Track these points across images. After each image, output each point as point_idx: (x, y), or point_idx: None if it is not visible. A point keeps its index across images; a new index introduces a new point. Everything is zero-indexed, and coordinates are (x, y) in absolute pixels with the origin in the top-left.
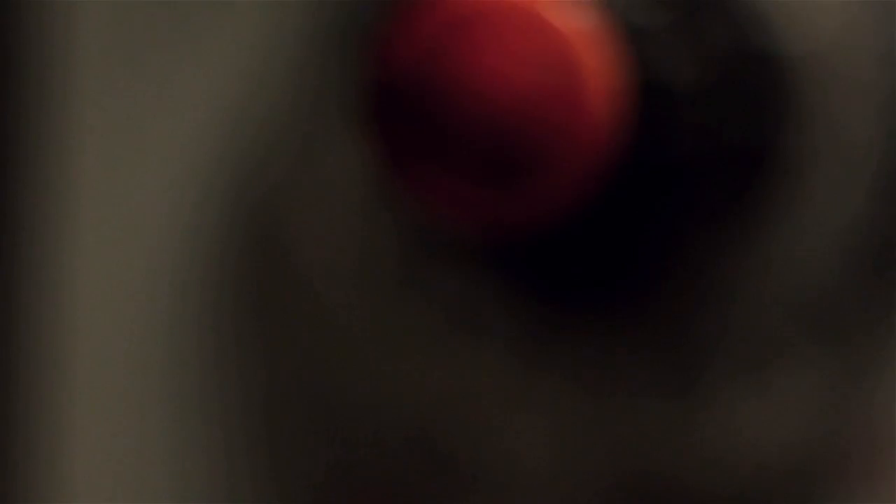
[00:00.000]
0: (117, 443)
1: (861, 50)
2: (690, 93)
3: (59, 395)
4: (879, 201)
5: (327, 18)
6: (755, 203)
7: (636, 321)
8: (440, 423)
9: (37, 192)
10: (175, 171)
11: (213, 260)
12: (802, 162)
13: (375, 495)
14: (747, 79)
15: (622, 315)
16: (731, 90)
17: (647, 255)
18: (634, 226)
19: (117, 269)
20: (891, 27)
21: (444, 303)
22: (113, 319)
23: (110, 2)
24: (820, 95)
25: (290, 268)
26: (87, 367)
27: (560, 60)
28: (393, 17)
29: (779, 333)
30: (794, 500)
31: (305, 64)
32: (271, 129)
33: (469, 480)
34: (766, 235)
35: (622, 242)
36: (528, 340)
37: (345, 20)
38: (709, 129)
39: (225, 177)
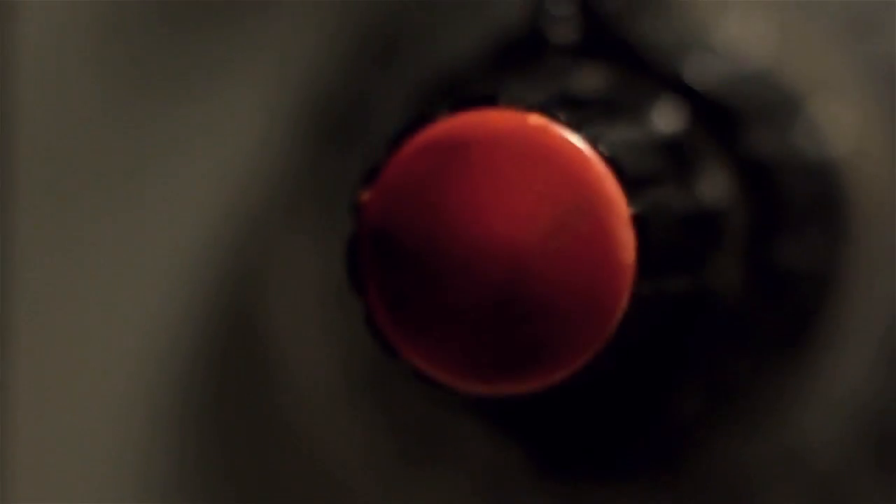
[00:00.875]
0: None
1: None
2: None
3: None
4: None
5: (320, 120)
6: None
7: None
8: None
9: None
10: (157, 265)
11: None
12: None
13: None
14: (795, 193)
15: (653, 482)
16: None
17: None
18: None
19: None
20: None
21: (469, 471)
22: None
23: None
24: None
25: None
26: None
27: (585, 196)
28: (383, 150)
29: None
30: None
31: (294, 166)
32: (257, 232)
33: None
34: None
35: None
36: None
37: (339, 123)
38: (759, 260)
39: (210, 276)
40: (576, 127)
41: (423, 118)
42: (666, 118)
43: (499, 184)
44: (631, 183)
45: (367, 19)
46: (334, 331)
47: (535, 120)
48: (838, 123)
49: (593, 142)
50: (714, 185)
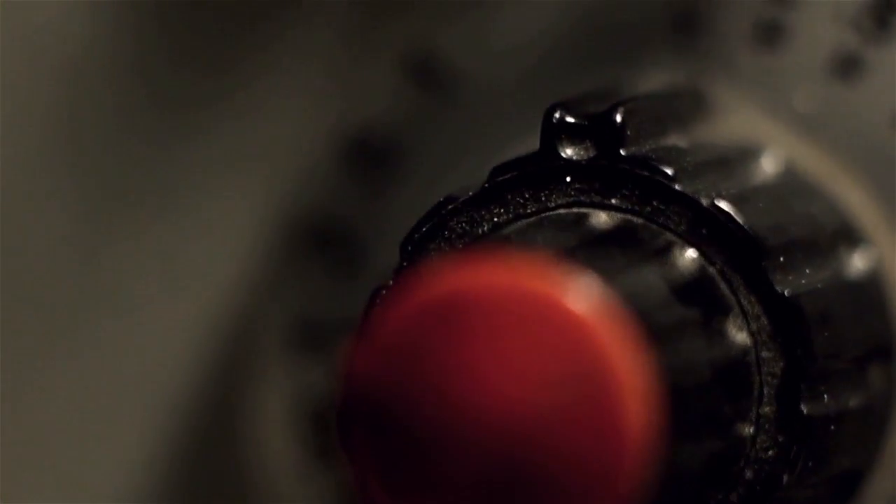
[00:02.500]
0: None
1: None
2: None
3: None
4: None
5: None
6: None
7: None
8: None
9: None
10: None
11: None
12: None
13: None
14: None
15: None
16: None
17: None
18: None
19: None
20: None
21: None
22: None
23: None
24: None
25: None
26: None
27: (587, 364)
28: (367, 308)
29: None
30: None
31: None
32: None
33: None
34: None
35: None
36: None
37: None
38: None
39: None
40: (589, 266)
41: (418, 255)
42: (688, 256)
43: (498, 349)
44: (653, 333)
45: (364, 132)
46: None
47: (538, 278)
48: (876, 255)
49: (609, 287)
50: (745, 329)
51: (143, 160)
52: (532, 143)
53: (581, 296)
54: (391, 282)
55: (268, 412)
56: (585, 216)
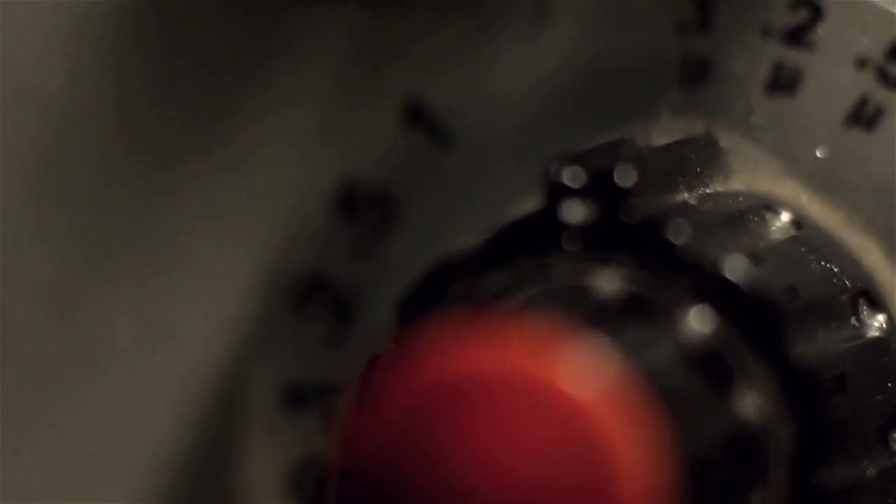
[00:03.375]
0: None
1: None
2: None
3: None
4: None
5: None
6: None
7: None
8: None
9: None
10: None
11: None
12: None
13: None
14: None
15: None
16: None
17: None
18: None
19: None
20: None
21: None
22: None
23: None
24: None
25: None
26: None
27: (584, 450)
28: (361, 380)
29: None
30: None
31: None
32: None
33: None
34: None
35: None
36: None
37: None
38: None
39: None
40: (593, 339)
41: (414, 321)
42: (699, 322)
43: (498, 432)
44: (661, 403)
45: (357, 184)
46: None
47: (539, 360)
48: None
49: (614, 360)
50: (756, 401)
51: (126, 212)
52: (532, 198)
53: (583, 379)
54: (389, 349)
55: (256, 473)
56: (589, 283)
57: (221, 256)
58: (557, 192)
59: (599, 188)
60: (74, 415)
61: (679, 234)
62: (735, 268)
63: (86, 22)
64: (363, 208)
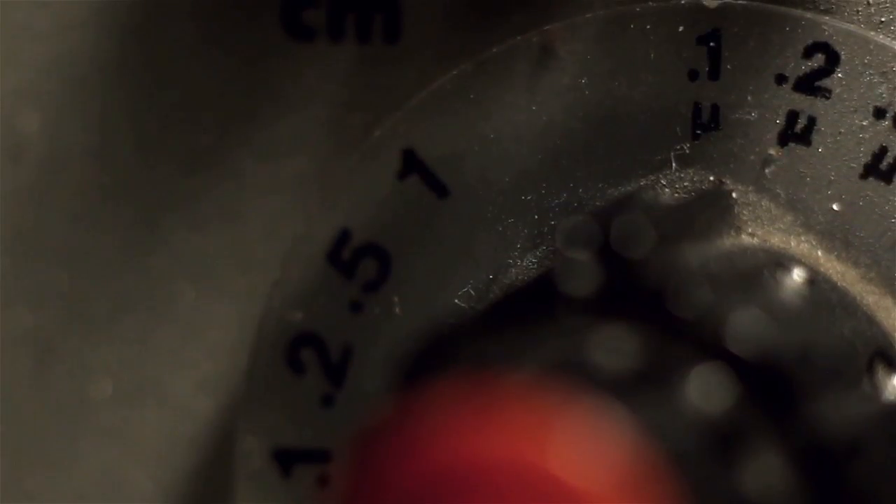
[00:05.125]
0: None
1: None
2: None
3: None
4: None
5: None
6: None
7: None
8: None
9: None
10: None
11: None
12: None
13: None
14: None
15: None
16: None
17: None
18: None
19: None
20: None
21: None
22: None
23: None
24: None
25: None
26: None
27: None
28: (358, 452)
29: None
30: None
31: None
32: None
33: None
34: None
35: None
36: None
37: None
38: None
39: None
40: (596, 417)
41: (411, 387)
42: (705, 392)
43: None
44: (668, 476)
45: (350, 238)
46: None
47: (540, 446)
48: None
49: (619, 438)
50: (766, 474)
51: (108, 264)
52: (532, 254)
53: (588, 467)
54: (386, 419)
55: None
56: (595, 353)
57: (208, 311)
58: (558, 264)
59: (605, 257)
60: (49, 467)
61: (688, 304)
62: (744, 339)
63: (65, 62)
64: (356, 261)
